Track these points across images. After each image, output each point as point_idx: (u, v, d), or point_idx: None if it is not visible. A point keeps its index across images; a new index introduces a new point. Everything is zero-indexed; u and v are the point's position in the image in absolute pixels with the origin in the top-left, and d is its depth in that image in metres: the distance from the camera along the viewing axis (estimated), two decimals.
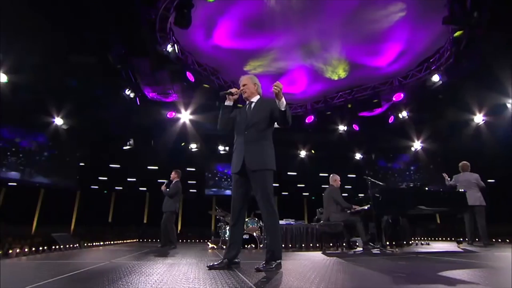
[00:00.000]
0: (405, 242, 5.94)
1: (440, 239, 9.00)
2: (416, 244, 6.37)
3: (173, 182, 6.21)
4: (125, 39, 6.86)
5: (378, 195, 4.82)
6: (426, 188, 4.95)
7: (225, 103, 2.85)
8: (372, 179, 4.99)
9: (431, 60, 8.17)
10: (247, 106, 2.84)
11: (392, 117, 9.65)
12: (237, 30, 7.24)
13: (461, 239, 5.27)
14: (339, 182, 5.48)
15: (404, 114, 9.32)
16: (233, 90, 2.83)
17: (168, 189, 6.07)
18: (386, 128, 10.16)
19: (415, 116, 9.52)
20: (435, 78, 7.82)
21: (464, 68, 7.27)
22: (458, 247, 4.91)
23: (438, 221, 11.73)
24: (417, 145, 11.51)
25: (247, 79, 2.88)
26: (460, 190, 5.25)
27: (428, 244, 6.39)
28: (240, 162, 2.58)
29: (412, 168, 12.71)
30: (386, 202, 4.67)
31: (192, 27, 6.48)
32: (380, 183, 5.15)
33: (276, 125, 2.73)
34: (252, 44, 7.69)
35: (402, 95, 8.86)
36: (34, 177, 10.12)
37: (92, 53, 7.09)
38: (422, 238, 8.86)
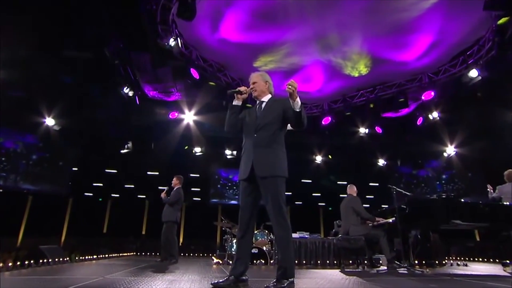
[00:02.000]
0: (437, 262, 5.82)
1: (480, 259, 8.77)
2: (451, 265, 6.23)
3: (175, 189, 6.27)
4: (123, 32, 7.00)
5: (404, 206, 4.75)
6: (462, 200, 4.85)
7: (233, 103, 2.87)
8: (397, 189, 4.92)
9: (468, 53, 7.99)
10: (257, 106, 2.86)
11: (421, 118, 9.49)
12: (246, 22, 7.29)
13: (508, 261, 5.11)
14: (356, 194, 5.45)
15: (434, 115, 9.16)
16: (242, 88, 2.85)
17: (168, 197, 6.14)
18: (413, 131, 9.99)
19: (448, 117, 9.34)
20: (473, 73, 7.63)
21: (509, 60, 7.08)
22: (504, 270, 4.77)
23: (478, 239, 11.44)
24: (450, 150, 11.28)
25: (258, 76, 2.90)
26: (505, 203, 5.10)
27: (466, 265, 6.24)
28: (249, 167, 2.60)
29: (444, 176, 12.46)
30: (414, 215, 4.60)
31: (196, 19, 6.56)
32: (407, 193, 5.07)
33: (289, 127, 2.74)
34: (263, 38, 7.72)
35: (432, 93, 8.71)
36: (19, 183, 10.14)
37: (87, 47, 7.24)
38: (458, 258, 8.64)
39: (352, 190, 5.47)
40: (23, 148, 10.39)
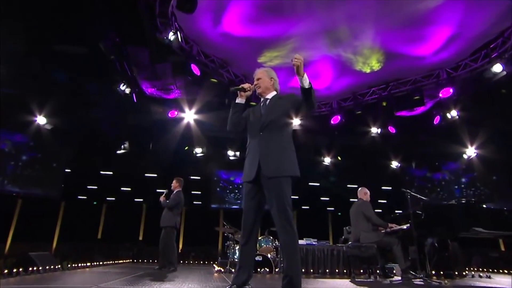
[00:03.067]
0: (456, 273, 5.77)
1: (505, 271, 8.67)
2: (472, 276, 6.18)
3: (174, 192, 6.31)
4: (120, 25, 7.03)
5: (420, 212, 4.72)
6: (484, 206, 4.81)
7: (236, 101, 2.90)
8: (412, 193, 4.90)
9: (491, 46, 7.86)
10: (262, 104, 2.88)
11: (438, 117, 9.42)
12: (251, 15, 7.30)
13: None
14: (369, 197, 5.42)
15: (453, 113, 9.08)
16: (246, 85, 2.87)
17: (168, 200, 6.17)
18: (430, 130, 9.92)
19: (468, 116, 9.24)
20: (497, 68, 7.52)
21: None
22: None
23: (503, 249, 11.32)
24: (470, 151, 11.18)
25: (263, 72, 2.93)
26: None
27: (489, 277, 6.19)
28: (255, 168, 2.61)
29: (463, 180, 12.36)
30: (431, 221, 4.57)
31: (197, 11, 6.57)
32: (423, 197, 5.05)
33: (295, 126, 2.75)
34: (268, 31, 7.72)
35: (451, 90, 8.64)
36: (7, 186, 10.13)
37: (81, 42, 7.28)
38: (481, 269, 8.55)
39: (362, 193, 5.45)
40: (11, 148, 10.43)
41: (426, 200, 5.15)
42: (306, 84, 2.51)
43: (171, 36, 7.19)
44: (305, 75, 2.50)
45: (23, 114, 9.26)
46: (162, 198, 6.20)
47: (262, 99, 2.91)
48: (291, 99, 2.73)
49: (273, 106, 2.77)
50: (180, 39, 7.55)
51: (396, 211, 8.57)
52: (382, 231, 5.15)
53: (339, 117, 10.06)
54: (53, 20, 6.70)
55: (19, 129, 10.00)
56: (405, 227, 4.93)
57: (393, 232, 5.09)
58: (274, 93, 2.90)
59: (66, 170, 11.79)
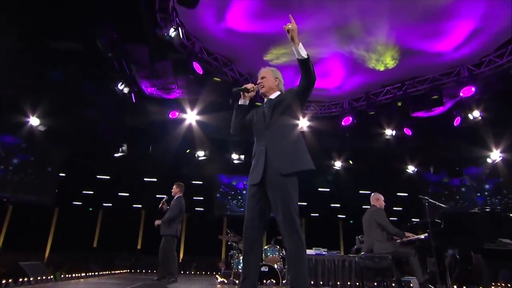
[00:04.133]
0: (481, 287, 5.70)
1: None
2: None
3: (175, 197, 6.33)
4: (118, 21, 7.09)
5: (440, 220, 4.68)
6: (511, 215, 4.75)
7: (239, 102, 2.92)
8: (430, 200, 4.85)
9: None
10: (265, 104, 2.89)
11: (459, 118, 9.34)
12: (256, 10, 7.32)
13: None
14: (383, 203, 5.39)
15: (475, 114, 8.97)
16: (249, 85, 2.89)
17: (168, 207, 6.20)
18: (449, 133, 9.84)
19: (493, 116, 9.15)
20: None
21: None
22: None
23: None
24: (495, 155, 11.05)
25: (268, 72, 2.94)
26: None
27: None
28: (261, 169, 2.60)
29: (487, 186, 12.21)
30: (451, 231, 4.52)
31: (200, 6, 6.62)
32: (442, 205, 5.00)
33: (303, 126, 2.76)
34: (275, 27, 7.72)
35: (473, 89, 8.55)
36: None
37: (76, 38, 7.37)
38: (509, 284, 8.43)
39: (375, 200, 5.41)
40: (2, 151, 10.51)
41: (445, 207, 5.11)
42: (303, 53, 2.53)
43: (172, 33, 7.24)
44: (300, 44, 2.50)
45: (15, 115, 9.30)
46: (162, 205, 6.23)
47: (265, 99, 2.92)
48: (291, 91, 2.77)
49: (276, 104, 2.78)
50: (181, 36, 7.60)
51: (413, 219, 8.49)
52: (398, 241, 5.11)
53: (350, 118, 10.02)
54: (48, 16, 6.77)
55: (10, 130, 10.09)
56: (422, 236, 4.88)
57: (409, 242, 5.05)
58: (278, 93, 2.91)
59: (60, 174, 11.88)
